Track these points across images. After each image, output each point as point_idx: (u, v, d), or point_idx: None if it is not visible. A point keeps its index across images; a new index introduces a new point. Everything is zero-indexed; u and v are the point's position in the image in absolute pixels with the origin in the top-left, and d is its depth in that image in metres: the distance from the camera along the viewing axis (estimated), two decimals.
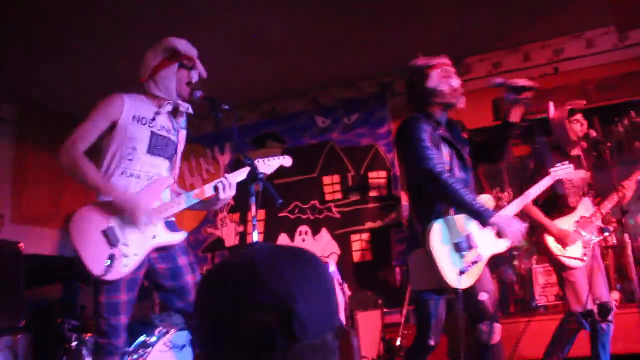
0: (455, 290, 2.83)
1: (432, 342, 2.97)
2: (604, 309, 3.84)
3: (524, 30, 5.57)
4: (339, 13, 4.96)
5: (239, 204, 6.62)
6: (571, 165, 3.58)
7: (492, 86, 3.05)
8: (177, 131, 2.99)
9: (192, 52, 2.95)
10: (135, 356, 4.25)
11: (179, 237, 2.89)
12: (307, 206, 6.45)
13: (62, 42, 4.92)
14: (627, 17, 4.04)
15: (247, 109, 6.75)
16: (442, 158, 2.94)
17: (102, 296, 2.65)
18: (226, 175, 2.86)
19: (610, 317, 3.86)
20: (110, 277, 2.60)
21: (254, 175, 2.65)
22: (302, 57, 5.69)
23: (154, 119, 2.84)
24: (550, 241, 3.96)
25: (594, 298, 3.86)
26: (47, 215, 6.16)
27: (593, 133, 4.02)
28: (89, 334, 4.41)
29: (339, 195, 6.33)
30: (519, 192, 3.66)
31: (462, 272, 2.86)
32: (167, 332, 4.19)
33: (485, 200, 3.02)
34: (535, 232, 4.15)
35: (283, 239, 6.48)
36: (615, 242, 5.16)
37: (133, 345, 4.29)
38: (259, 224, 6.31)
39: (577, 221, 3.96)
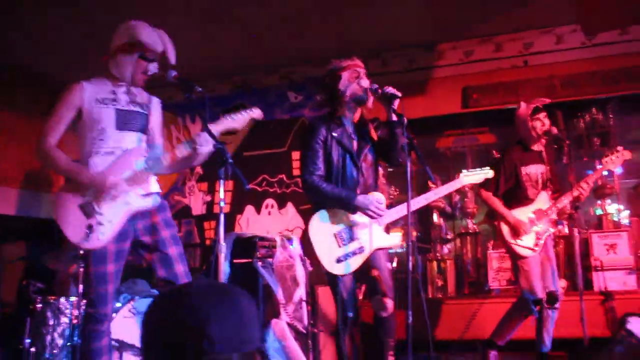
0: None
1: (350, 314, 3.24)
2: (552, 297, 4.08)
3: (497, 21, 5.65)
4: None
5: (207, 174, 6.69)
6: (489, 172, 3.69)
7: (371, 93, 3.28)
8: (148, 102, 3.12)
9: (157, 47, 3.03)
10: None
11: (150, 201, 3.02)
12: (274, 180, 6.53)
13: (27, 3, 4.83)
14: (593, 21, 4.18)
15: (217, 81, 6.72)
16: (332, 159, 3.29)
17: (90, 267, 2.89)
18: (200, 134, 2.95)
19: (557, 305, 4.10)
20: (90, 245, 2.84)
21: (223, 158, 2.72)
22: (273, 31, 5.68)
23: (115, 97, 2.99)
24: (505, 230, 4.18)
25: (543, 286, 4.10)
26: (13, 176, 6.11)
27: (554, 130, 4.19)
28: (53, 297, 4.46)
29: None
30: None
31: (339, 261, 3.18)
32: (131, 299, 4.28)
33: (379, 197, 3.30)
34: (494, 219, 4.37)
35: (249, 211, 6.57)
36: (567, 232, 5.44)
37: None
38: (226, 195, 6.38)
39: (534, 212, 4.17)
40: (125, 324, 4.14)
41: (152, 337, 1.17)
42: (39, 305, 4.40)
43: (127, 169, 2.95)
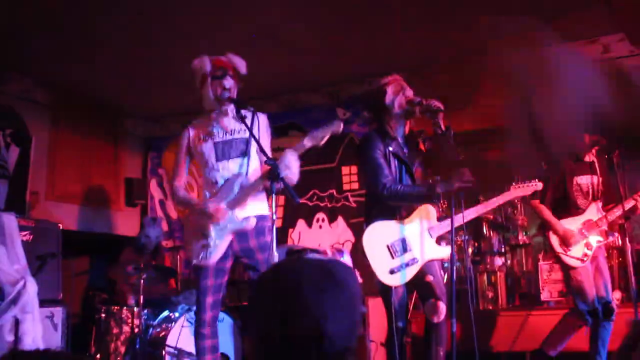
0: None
1: (400, 324, 3.30)
2: (608, 309, 4.02)
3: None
4: (357, 12, 5.10)
5: None
6: (539, 184, 3.70)
7: (416, 104, 3.33)
8: (251, 124, 3.26)
9: (221, 58, 3.35)
10: (158, 329, 4.55)
11: (245, 223, 3.24)
12: (325, 194, 6.67)
13: (97, 31, 5.14)
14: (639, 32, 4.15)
15: (268, 99, 6.93)
16: (391, 171, 3.34)
17: (196, 281, 3.33)
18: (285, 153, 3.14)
19: (612, 317, 4.05)
20: (201, 262, 3.25)
21: (275, 174, 2.87)
22: (322, 51, 5.83)
23: (212, 131, 3.33)
24: (554, 240, 4.16)
25: (599, 297, 4.05)
26: (77, 194, 6.48)
27: (603, 140, 4.17)
28: (116, 307, 4.71)
29: (355, 185, 6.52)
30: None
31: (392, 272, 3.22)
32: (189, 309, 4.49)
33: (430, 210, 3.39)
34: (544, 229, 4.35)
35: (300, 225, 6.71)
36: (620, 244, 5.35)
37: (157, 319, 4.59)
38: (279, 209, 6.54)
39: (584, 223, 4.14)
40: (183, 333, 4.34)
41: (265, 333, 1.18)
42: (103, 315, 4.66)
43: (228, 195, 3.27)
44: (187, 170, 3.47)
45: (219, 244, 3.23)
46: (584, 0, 4.91)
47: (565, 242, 4.11)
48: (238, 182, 3.26)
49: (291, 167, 3.09)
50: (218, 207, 3.22)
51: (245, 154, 3.32)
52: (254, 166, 3.36)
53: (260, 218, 3.31)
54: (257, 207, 3.35)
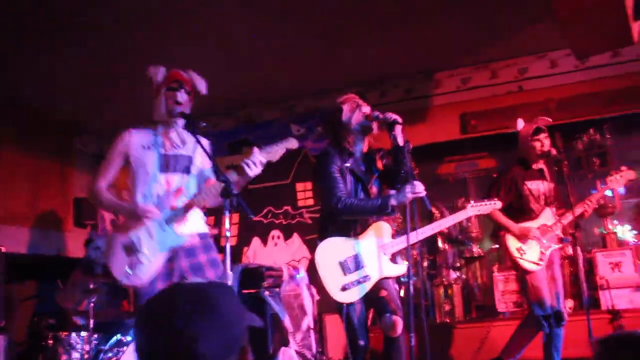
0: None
1: (361, 342, 3.26)
2: (558, 316, 4.09)
3: (492, 49, 5.80)
4: (312, 27, 5.14)
5: (213, 208, 6.76)
6: (497, 203, 3.74)
7: (373, 118, 3.40)
8: (194, 143, 3.17)
9: (181, 74, 3.23)
10: (110, 354, 4.37)
11: (184, 239, 3.11)
12: (280, 211, 6.62)
13: (42, 44, 5.01)
14: (583, 45, 4.29)
15: (223, 115, 6.87)
16: (346, 186, 3.34)
17: (139, 304, 3.12)
18: (255, 152, 3.04)
19: (563, 322, 4.12)
20: (129, 282, 3.02)
21: (228, 191, 2.80)
22: (277, 66, 5.84)
23: (158, 142, 3.17)
24: (511, 244, 4.21)
25: (550, 306, 4.11)
26: (23, 215, 6.22)
27: (553, 151, 4.27)
28: (65, 332, 4.50)
29: (311, 202, 6.50)
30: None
31: (344, 289, 3.20)
32: None
33: (384, 228, 3.38)
34: (498, 237, 4.40)
35: (255, 243, 6.64)
36: (571, 252, 5.47)
37: (108, 344, 4.41)
38: (233, 228, 6.47)
39: (538, 227, 4.21)
40: (135, 357, 4.17)
41: (144, 350, 1.23)
42: (50, 341, 4.45)
43: (167, 208, 3.09)
44: (115, 174, 3.21)
45: (153, 261, 3.03)
46: (533, 16, 5.07)
47: (523, 237, 4.15)
48: (181, 196, 3.13)
49: (257, 165, 3.01)
50: (148, 206, 3.05)
51: (187, 170, 3.23)
52: (194, 183, 3.25)
53: (202, 235, 3.22)
54: (198, 224, 3.23)
